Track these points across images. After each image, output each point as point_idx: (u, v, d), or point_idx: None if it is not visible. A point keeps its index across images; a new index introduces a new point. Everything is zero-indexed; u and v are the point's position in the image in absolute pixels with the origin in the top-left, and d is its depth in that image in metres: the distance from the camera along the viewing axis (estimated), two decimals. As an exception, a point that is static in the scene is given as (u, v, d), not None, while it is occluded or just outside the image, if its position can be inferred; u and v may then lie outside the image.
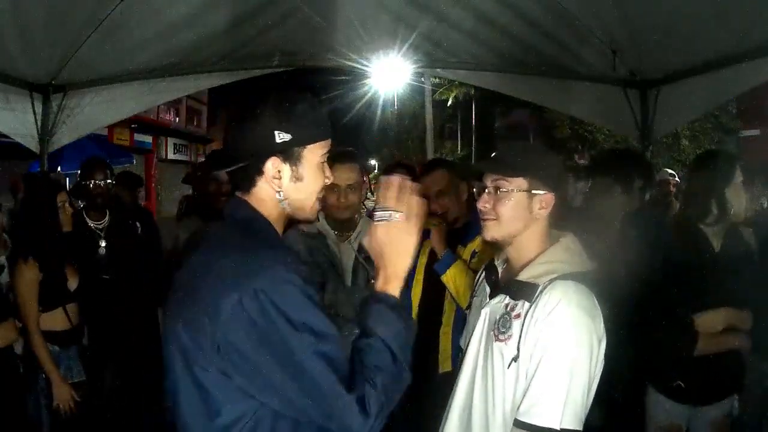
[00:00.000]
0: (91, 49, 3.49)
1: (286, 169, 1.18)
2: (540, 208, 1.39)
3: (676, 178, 4.96)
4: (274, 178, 1.17)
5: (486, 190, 1.42)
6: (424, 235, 2.64)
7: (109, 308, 3.07)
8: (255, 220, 1.18)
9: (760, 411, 2.75)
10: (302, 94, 1.21)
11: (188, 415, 1.10)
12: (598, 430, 2.37)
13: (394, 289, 1.19)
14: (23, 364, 2.57)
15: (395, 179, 1.21)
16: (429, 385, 2.54)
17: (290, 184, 1.19)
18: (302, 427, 1.09)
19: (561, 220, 1.45)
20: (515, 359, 1.30)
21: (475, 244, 2.46)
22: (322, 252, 2.25)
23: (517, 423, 1.27)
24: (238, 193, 1.22)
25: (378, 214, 1.20)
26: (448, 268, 2.35)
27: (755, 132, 14.86)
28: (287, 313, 1.03)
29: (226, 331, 1.03)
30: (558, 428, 1.22)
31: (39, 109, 3.90)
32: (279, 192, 1.18)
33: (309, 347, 1.03)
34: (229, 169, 1.19)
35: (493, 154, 1.53)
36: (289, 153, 1.17)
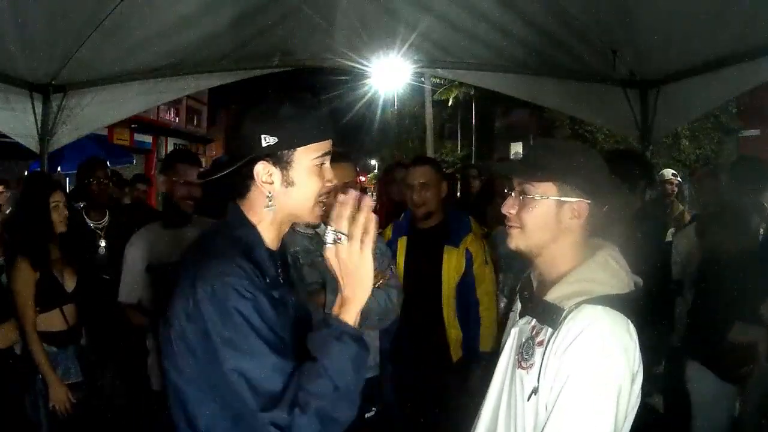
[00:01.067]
0: (91, 49, 3.50)
1: (276, 173, 1.16)
2: (571, 218, 1.21)
3: (678, 179, 4.95)
4: (265, 182, 1.15)
5: (512, 193, 1.26)
6: (398, 233, 2.73)
7: (109, 308, 3.06)
8: (240, 226, 1.19)
9: (761, 411, 2.75)
10: (293, 95, 1.17)
11: (175, 415, 1.15)
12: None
13: (348, 313, 1.12)
14: (22, 365, 2.57)
15: (351, 197, 1.10)
16: (441, 377, 2.61)
17: (282, 189, 1.17)
18: None
19: (601, 231, 1.28)
20: (535, 391, 1.15)
21: (467, 243, 2.63)
22: (318, 252, 2.25)
23: None
24: (234, 198, 1.22)
25: (328, 236, 1.12)
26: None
27: (755, 132, 14.83)
28: (216, 326, 1.05)
29: (181, 333, 1.08)
30: None
31: (39, 109, 3.90)
32: (269, 197, 1.16)
33: (229, 362, 1.04)
34: (218, 175, 1.18)
35: (523, 154, 1.38)
36: (278, 157, 1.15)
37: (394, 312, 2.33)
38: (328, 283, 2.15)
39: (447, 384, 2.61)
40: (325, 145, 1.19)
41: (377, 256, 2.37)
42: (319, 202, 1.22)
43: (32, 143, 3.97)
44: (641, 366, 1.14)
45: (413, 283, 2.58)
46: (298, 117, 1.15)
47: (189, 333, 1.07)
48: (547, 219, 1.22)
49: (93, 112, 4.08)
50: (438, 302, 2.63)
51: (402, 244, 2.71)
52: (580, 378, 1.08)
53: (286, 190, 1.17)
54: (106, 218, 3.36)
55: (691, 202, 5.50)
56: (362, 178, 21.04)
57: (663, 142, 13.84)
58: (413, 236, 2.72)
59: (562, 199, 1.21)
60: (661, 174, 4.98)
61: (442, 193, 2.69)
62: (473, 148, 23.12)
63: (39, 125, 3.94)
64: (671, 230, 3.90)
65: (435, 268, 2.63)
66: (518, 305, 1.37)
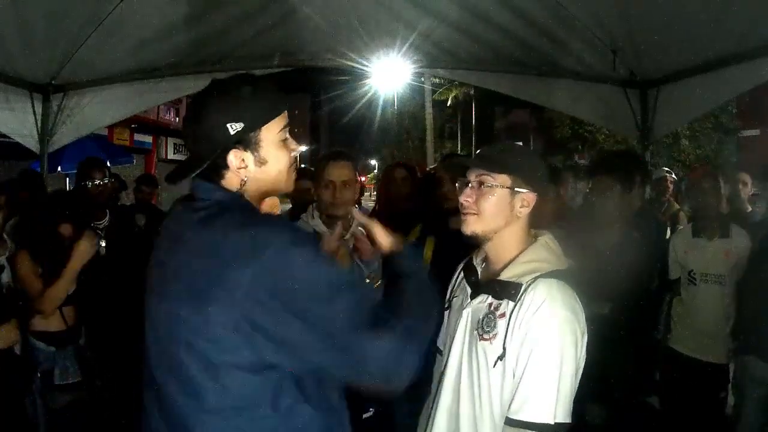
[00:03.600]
0: (91, 49, 3.50)
1: (248, 156, 1.18)
2: (521, 207, 1.41)
3: (673, 176, 4.94)
4: (240, 168, 1.18)
5: (469, 185, 1.43)
6: (427, 230, 2.68)
7: (109, 308, 3.07)
8: (236, 199, 1.19)
9: (757, 410, 2.76)
10: (242, 76, 1.20)
11: (187, 405, 1.10)
12: (600, 429, 2.40)
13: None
14: (22, 365, 2.57)
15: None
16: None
17: (256, 169, 1.19)
18: (325, 382, 1.15)
19: (540, 222, 1.49)
20: (501, 358, 1.31)
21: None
22: None
23: (510, 421, 1.28)
24: (206, 180, 1.20)
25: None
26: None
27: (755, 132, 14.85)
28: (303, 279, 1.05)
29: (243, 309, 1.03)
30: (552, 423, 1.24)
31: (39, 109, 3.91)
32: (245, 180, 1.19)
33: (332, 302, 1.06)
34: (194, 173, 1.17)
35: (479, 151, 1.56)
36: (246, 140, 1.17)
37: None
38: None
39: None
40: (284, 117, 1.23)
41: (377, 256, 2.38)
42: (291, 170, 1.26)
43: (32, 143, 3.97)
44: (586, 325, 1.34)
45: (436, 284, 2.55)
46: (256, 96, 1.17)
47: (253, 306, 1.03)
48: (501, 206, 1.40)
49: (93, 112, 4.09)
50: None
51: (430, 243, 2.63)
52: (548, 340, 1.27)
53: (260, 170, 1.20)
54: (106, 219, 3.35)
55: (690, 201, 5.49)
56: (362, 178, 21.04)
57: (663, 142, 13.86)
58: (442, 236, 2.62)
59: (516, 189, 1.40)
60: (656, 172, 4.97)
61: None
62: (473, 148, 23.12)
63: (39, 125, 3.94)
64: (669, 229, 3.90)
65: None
66: (466, 289, 1.52)
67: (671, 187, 4.92)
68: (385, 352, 1.07)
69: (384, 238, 1.42)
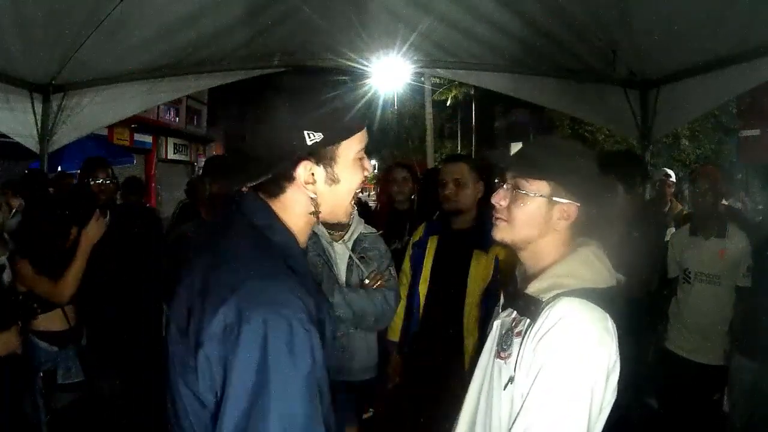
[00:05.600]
0: (91, 49, 3.50)
1: (319, 171, 1.02)
2: (560, 219, 1.22)
3: (672, 178, 4.93)
4: (308, 183, 1.01)
5: (504, 186, 1.26)
6: (430, 232, 2.68)
7: (109, 308, 3.07)
8: (277, 232, 1.02)
9: (749, 409, 2.76)
10: (331, 78, 1.04)
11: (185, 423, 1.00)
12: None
13: None
14: (22, 365, 2.57)
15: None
16: (449, 383, 2.57)
17: (325, 188, 1.03)
18: None
19: (587, 232, 1.29)
20: (511, 381, 1.16)
21: (497, 250, 2.37)
22: (316, 252, 2.25)
23: None
24: (261, 195, 1.04)
25: None
26: None
27: (755, 132, 14.84)
28: (256, 367, 0.87)
29: (208, 347, 0.89)
30: None
31: (39, 109, 3.91)
32: (314, 199, 1.02)
33: (266, 408, 0.86)
34: (254, 183, 1.03)
35: (520, 149, 1.35)
36: (322, 154, 1.01)
37: (391, 314, 2.32)
38: (324, 284, 2.16)
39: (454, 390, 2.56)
40: (365, 134, 1.07)
41: (376, 257, 2.38)
42: (354, 197, 1.10)
43: (32, 143, 3.97)
44: (618, 361, 1.13)
45: (438, 285, 2.50)
46: (342, 106, 1.01)
47: (216, 350, 0.89)
48: (535, 216, 1.22)
49: (93, 112, 4.09)
50: (460, 308, 2.43)
51: (432, 243, 2.59)
52: (553, 368, 1.08)
53: (330, 189, 1.04)
54: (107, 218, 3.35)
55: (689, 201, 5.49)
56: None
57: (663, 142, 13.86)
58: (444, 236, 2.59)
59: (554, 199, 1.21)
60: (657, 173, 4.96)
61: (477, 193, 2.50)
62: (473, 148, 23.12)
63: (39, 125, 3.94)
64: (671, 229, 3.90)
65: (461, 273, 2.45)
66: (501, 299, 1.38)
67: (672, 187, 4.91)
68: None
69: None
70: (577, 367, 1.07)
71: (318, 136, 0.98)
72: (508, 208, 1.24)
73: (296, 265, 1.01)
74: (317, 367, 0.91)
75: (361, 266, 2.30)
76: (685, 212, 4.67)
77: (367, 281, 2.28)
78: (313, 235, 2.27)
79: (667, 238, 3.44)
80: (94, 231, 2.67)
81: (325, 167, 1.02)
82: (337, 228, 2.32)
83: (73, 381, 2.61)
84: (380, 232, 2.53)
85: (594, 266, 1.21)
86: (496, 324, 1.31)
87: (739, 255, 2.86)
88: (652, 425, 3.09)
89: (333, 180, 1.03)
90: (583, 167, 1.25)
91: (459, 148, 25.24)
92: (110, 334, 3.06)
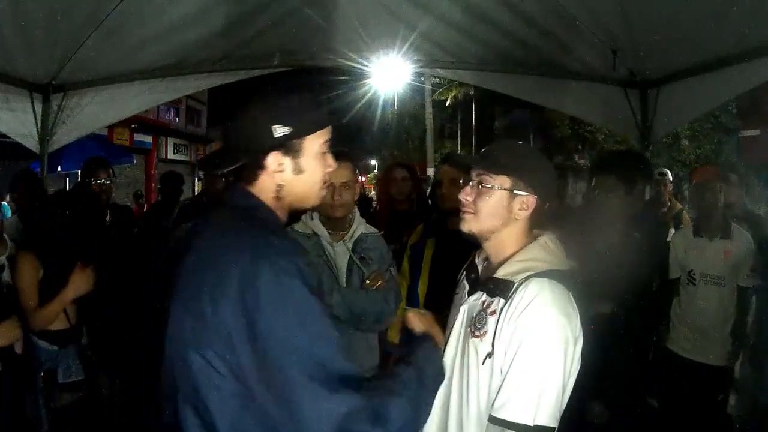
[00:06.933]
0: (91, 49, 3.49)
1: (287, 162, 1.19)
2: (520, 209, 1.38)
3: (668, 177, 4.92)
4: (276, 171, 1.19)
5: (470, 183, 1.42)
6: (429, 231, 2.68)
7: (109, 307, 3.07)
8: (260, 209, 1.20)
9: (757, 411, 2.76)
10: (298, 83, 1.22)
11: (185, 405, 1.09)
12: (600, 428, 2.40)
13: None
14: (22, 365, 2.57)
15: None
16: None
17: (292, 176, 1.20)
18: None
19: (541, 223, 1.45)
20: (489, 355, 1.30)
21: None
22: (316, 252, 2.24)
23: (492, 419, 1.27)
24: (240, 183, 1.23)
25: None
26: None
27: (755, 132, 14.82)
28: (284, 307, 1.03)
29: (228, 308, 1.03)
30: (531, 424, 1.21)
31: (39, 109, 3.90)
32: (280, 185, 1.20)
33: (302, 341, 1.03)
34: (229, 168, 1.20)
35: (483, 150, 1.52)
36: (289, 146, 1.18)
37: (392, 315, 2.31)
38: (323, 284, 2.15)
39: None
40: (328, 131, 1.25)
41: (377, 257, 2.37)
42: (322, 187, 1.27)
43: (32, 143, 3.97)
44: (581, 331, 1.30)
45: (436, 286, 2.52)
46: (307, 105, 1.19)
47: (238, 317, 1.02)
48: (499, 207, 1.38)
49: (93, 112, 4.08)
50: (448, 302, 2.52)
51: (430, 244, 2.61)
52: (534, 339, 1.24)
53: (296, 178, 1.21)
54: (108, 218, 3.36)
55: (691, 201, 5.48)
56: (362, 178, 21.04)
57: (663, 142, 13.84)
58: (442, 237, 2.61)
59: (515, 191, 1.37)
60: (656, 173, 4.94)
61: None
62: (473, 148, 23.09)
63: (39, 125, 3.94)
64: (671, 230, 3.90)
65: (458, 274, 2.52)
66: (465, 287, 1.51)
67: (669, 187, 4.90)
68: (327, 415, 0.98)
69: (419, 326, 1.47)
70: (553, 337, 1.24)
71: (285, 130, 1.15)
72: (474, 201, 1.40)
73: (283, 235, 1.20)
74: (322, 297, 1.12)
75: (362, 267, 2.29)
76: (684, 212, 4.66)
77: (367, 282, 2.27)
78: (314, 236, 2.27)
79: (668, 238, 3.44)
80: (81, 284, 2.60)
81: (292, 158, 1.20)
82: (337, 228, 2.31)
83: (73, 380, 2.61)
84: (381, 232, 2.52)
85: (553, 251, 1.39)
86: (463, 308, 1.45)
87: (744, 256, 2.86)
88: (652, 425, 3.09)
89: (299, 170, 1.21)
90: (540, 165, 1.42)
91: (459, 148, 25.21)
92: (110, 333, 3.06)
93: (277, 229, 1.21)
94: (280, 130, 1.15)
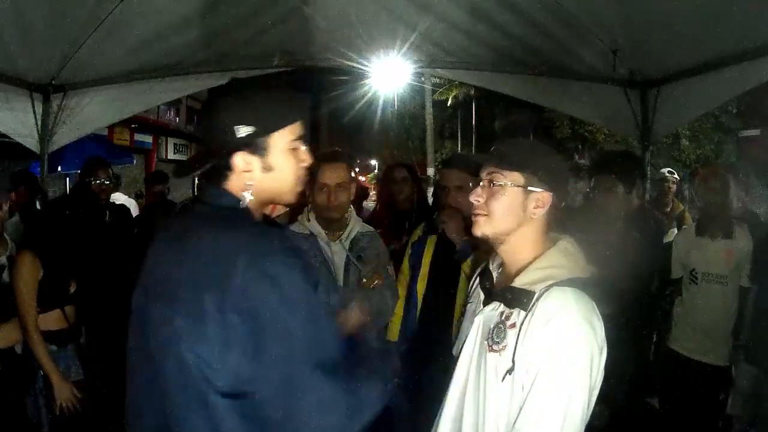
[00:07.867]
0: (91, 49, 3.50)
1: (254, 161, 1.17)
2: (536, 207, 1.29)
3: (675, 176, 4.92)
4: (244, 171, 1.17)
5: (480, 183, 1.33)
6: (428, 232, 2.68)
7: (108, 307, 3.07)
8: (238, 208, 1.19)
9: (753, 411, 2.76)
10: (262, 80, 1.23)
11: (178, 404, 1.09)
12: (600, 428, 2.40)
13: None
14: (23, 365, 2.57)
15: None
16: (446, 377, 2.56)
17: (261, 175, 1.18)
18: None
19: (559, 222, 1.36)
20: (510, 372, 1.20)
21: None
22: (313, 252, 2.24)
23: None
24: (213, 184, 1.21)
25: None
26: (468, 257, 2.33)
27: (755, 132, 14.82)
28: (288, 302, 1.05)
29: (233, 305, 1.04)
30: None
31: (39, 109, 3.91)
32: (249, 185, 1.17)
33: (292, 322, 1.05)
34: (199, 171, 1.18)
35: (493, 148, 1.42)
36: (255, 145, 1.16)
37: (389, 313, 2.31)
38: (321, 284, 2.15)
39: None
40: (298, 127, 1.21)
41: (374, 256, 2.37)
42: (298, 181, 1.24)
43: (32, 143, 3.97)
44: (605, 341, 1.22)
45: (434, 284, 2.50)
46: (270, 102, 1.18)
47: (239, 304, 1.04)
48: (513, 206, 1.28)
49: (93, 112, 4.09)
50: (453, 307, 2.42)
51: (431, 242, 2.58)
52: (559, 356, 1.15)
53: (266, 176, 1.19)
54: (107, 218, 3.36)
55: (692, 201, 5.48)
56: (362, 179, 21.03)
57: (663, 142, 13.86)
58: (443, 236, 2.55)
59: (529, 188, 1.28)
60: (658, 173, 4.95)
61: None
62: (473, 148, 23.09)
63: (39, 125, 3.94)
64: (673, 230, 3.89)
65: (456, 272, 2.46)
66: (479, 296, 1.42)
67: (673, 187, 4.90)
68: (329, 409, 1.04)
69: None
70: (579, 350, 1.16)
71: (248, 129, 1.13)
72: (486, 202, 1.30)
73: (280, 232, 1.23)
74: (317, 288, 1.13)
75: (359, 266, 2.29)
76: (686, 212, 4.66)
77: (364, 280, 2.27)
78: (310, 235, 2.27)
79: (670, 238, 3.43)
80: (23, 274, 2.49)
81: (259, 157, 1.17)
82: (334, 228, 2.31)
83: (73, 380, 2.60)
84: (378, 231, 2.52)
85: (575, 257, 1.30)
86: (478, 320, 1.35)
87: (746, 256, 2.86)
88: (653, 425, 3.09)
89: (267, 168, 1.18)
90: (552, 160, 1.35)
91: (459, 148, 25.20)
92: (109, 333, 3.06)
93: (270, 226, 1.23)
94: (243, 130, 1.13)
